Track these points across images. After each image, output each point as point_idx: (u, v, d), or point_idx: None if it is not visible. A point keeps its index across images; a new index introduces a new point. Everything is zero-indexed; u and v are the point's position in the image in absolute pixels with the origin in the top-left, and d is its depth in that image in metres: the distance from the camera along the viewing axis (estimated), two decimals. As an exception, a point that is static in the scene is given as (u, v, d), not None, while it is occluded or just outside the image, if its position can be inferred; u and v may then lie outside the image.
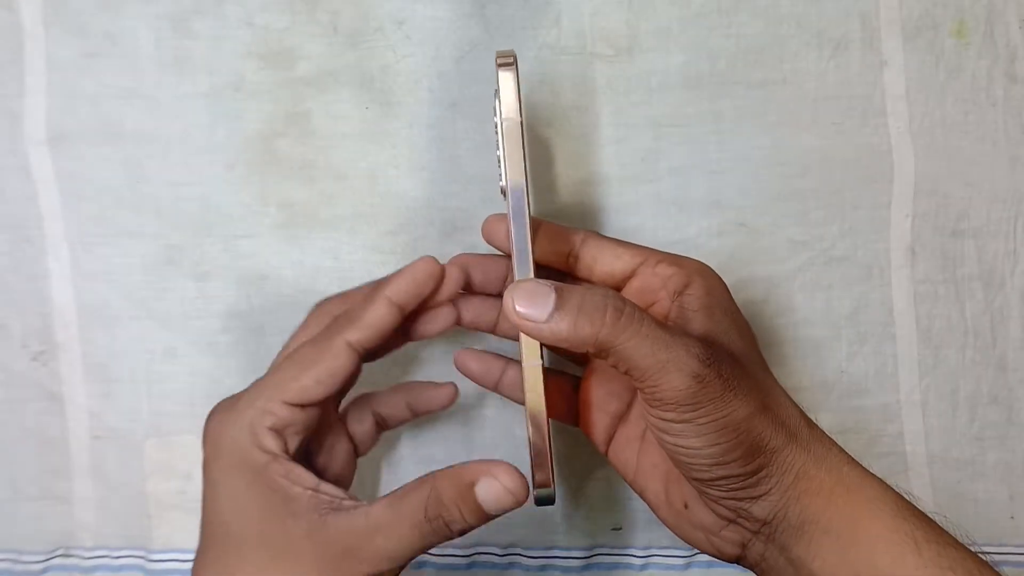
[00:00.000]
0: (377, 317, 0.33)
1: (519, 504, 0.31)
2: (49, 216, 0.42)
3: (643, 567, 0.43)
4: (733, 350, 0.32)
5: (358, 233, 0.42)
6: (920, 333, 0.43)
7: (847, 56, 0.42)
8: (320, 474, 0.33)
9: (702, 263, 0.35)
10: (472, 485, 0.31)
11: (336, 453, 0.37)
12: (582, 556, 0.43)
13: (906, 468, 0.43)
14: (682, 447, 0.30)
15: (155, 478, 0.43)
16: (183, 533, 0.43)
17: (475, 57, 0.42)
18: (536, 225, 0.36)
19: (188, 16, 0.42)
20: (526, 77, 0.42)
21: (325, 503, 0.31)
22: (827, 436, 0.32)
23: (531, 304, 0.30)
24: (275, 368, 0.34)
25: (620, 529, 0.43)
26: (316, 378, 0.33)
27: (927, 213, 0.43)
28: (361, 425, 0.38)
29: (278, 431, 0.32)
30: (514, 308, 0.30)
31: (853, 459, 0.32)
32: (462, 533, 0.32)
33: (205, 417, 0.42)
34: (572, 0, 0.42)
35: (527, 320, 0.30)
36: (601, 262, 0.35)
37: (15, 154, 0.42)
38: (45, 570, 0.43)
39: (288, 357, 0.34)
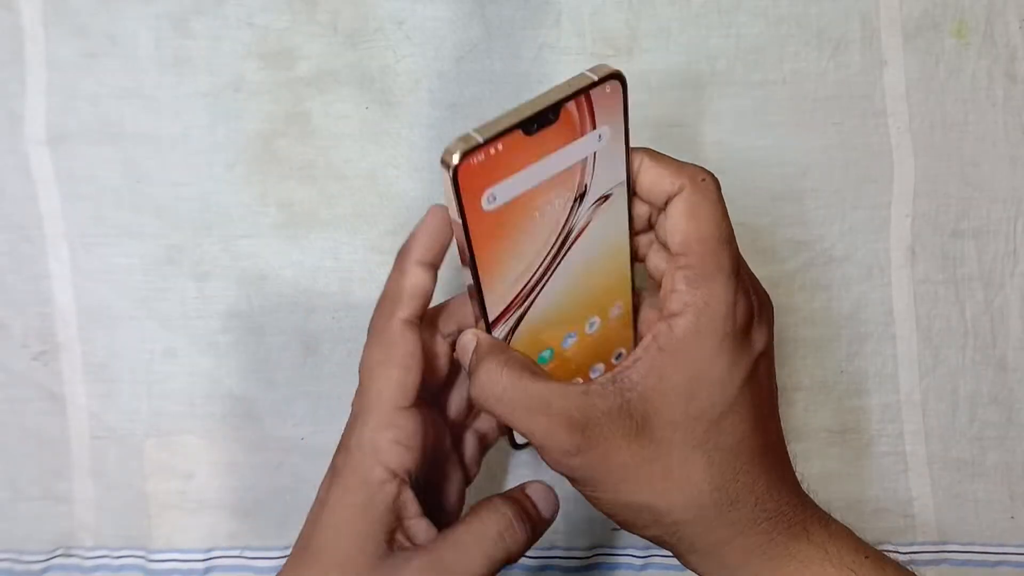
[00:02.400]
0: (415, 284, 0.31)
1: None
2: (49, 216, 0.42)
3: (643, 567, 0.43)
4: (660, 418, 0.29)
5: (358, 233, 0.42)
6: (920, 333, 0.43)
7: (847, 56, 0.42)
8: (439, 506, 0.34)
9: (724, 292, 0.30)
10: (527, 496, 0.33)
11: (452, 483, 0.36)
12: (582, 556, 0.43)
13: (906, 468, 0.43)
14: None
15: (155, 478, 0.43)
16: (183, 533, 0.43)
17: (475, 57, 0.42)
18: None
19: (188, 16, 0.42)
20: (526, 77, 0.42)
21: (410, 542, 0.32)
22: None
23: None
24: (359, 390, 0.32)
25: (620, 529, 0.43)
26: (401, 366, 0.31)
27: (927, 213, 0.43)
28: (468, 448, 0.36)
29: (404, 446, 0.31)
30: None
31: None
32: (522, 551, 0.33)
33: (206, 416, 0.43)
34: (572, 0, 0.42)
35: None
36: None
37: (15, 154, 0.42)
38: (45, 570, 0.43)
39: (361, 373, 0.32)
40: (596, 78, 0.27)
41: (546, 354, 0.32)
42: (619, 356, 0.34)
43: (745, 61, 0.42)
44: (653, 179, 0.31)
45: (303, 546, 0.32)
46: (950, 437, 0.43)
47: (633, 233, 0.31)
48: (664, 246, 0.31)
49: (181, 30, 0.42)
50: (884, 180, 0.42)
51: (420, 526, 0.31)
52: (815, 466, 0.43)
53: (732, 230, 0.31)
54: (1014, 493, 0.43)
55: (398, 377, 0.31)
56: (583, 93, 0.27)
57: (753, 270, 0.43)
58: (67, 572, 0.43)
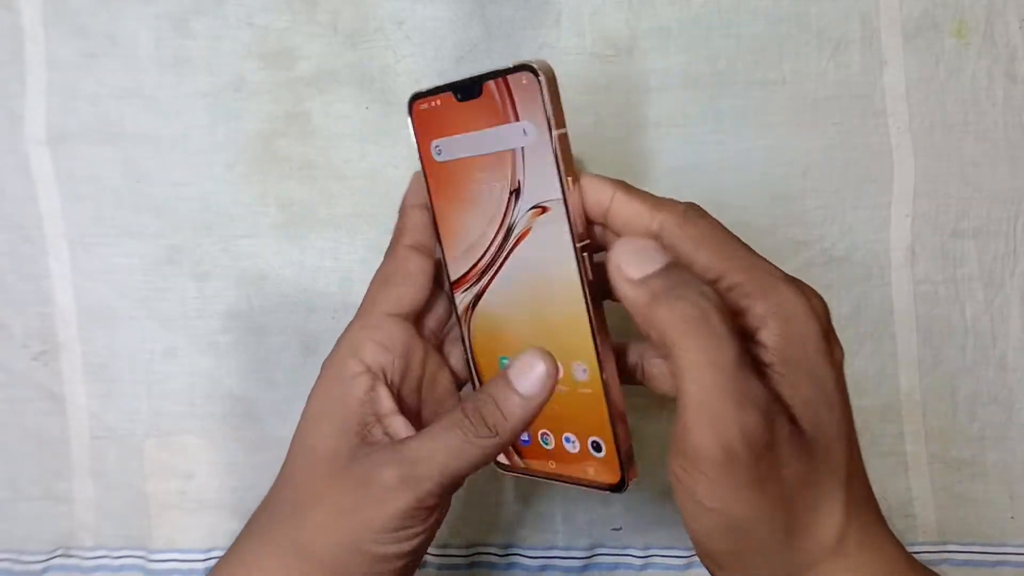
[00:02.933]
0: (414, 219, 0.34)
1: (553, 380, 0.30)
2: (49, 216, 0.42)
3: (643, 567, 0.43)
4: (802, 438, 0.27)
5: (358, 233, 0.42)
6: (920, 333, 0.43)
7: (847, 56, 0.42)
8: (421, 405, 0.34)
9: (795, 295, 0.28)
10: (504, 375, 0.30)
11: (439, 384, 0.36)
12: (582, 556, 0.43)
13: (906, 468, 0.43)
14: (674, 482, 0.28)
15: (155, 478, 0.43)
16: (183, 533, 0.43)
17: (475, 57, 0.42)
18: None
19: (188, 16, 0.42)
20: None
21: (386, 434, 0.32)
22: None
23: (636, 262, 0.28)
24: (364, 299, 0.34)
25: (620, 529, 0.43)
26: (402, 283, 0.33)
27: (927, 213, 0.43)
28: (452, 356, 0.37)
29: (384, 347, 0.32)
30: (616, 254, 0.28)
31: None
32: (509, 437, 0.30)
33: (206, 416, 0.43)
34: (572, 0, 0.42)
35: (622, 273, 0.28)
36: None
37: (15, 154, 0.42)
38: (45, 570, 0.43)
39: (370, 285, 0.35)
40: (512, 66, 0.30)
41: (506, 360, 0.33)
42: (594, 443, 0.32)
43: (745, 61, 0.42)
44: (629, 216, 0.30)
45: (292, 437, 0.33)
46: (950, 437, 0.43)
47: (586, 278, 0.30)
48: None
49: (181, 30, 0.42)
50: (884, 180, 0.42)
51: (397, 423, 0.32)
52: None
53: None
54: (1014, 493, 0.43)
55: (394, 289, 0.33)
56: (500, 76, 0.30)
57: (753, 270, 0.43)
58: (67, 572, 0.43)
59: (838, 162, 0.42)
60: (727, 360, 0.26)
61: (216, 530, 0.43)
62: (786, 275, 0.28)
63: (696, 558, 0.43)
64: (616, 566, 0.44)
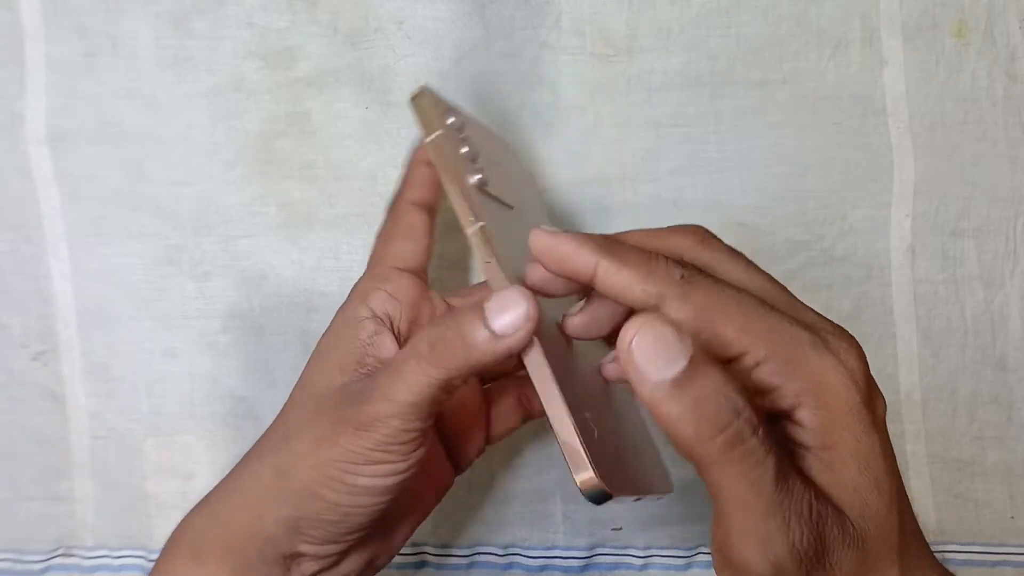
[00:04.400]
0: (418, 175, 0.35)
1: (533, 325, 0.27)
2: (49, 216, 0.42)
3: (643, 567, 0.43)
4: (852, 532, 0.25)
5: (358, 233, 0.42)
6: (920, 333, 0.43)
7: (847, 56, 0.42)
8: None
9: (829, 364, 0.25)
10: (479, 304, 0.28)
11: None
12: (582, 556, 0.43)
13: (906, 468, 0.43)
14: None
15: (155, 478, 0.43)
16: (183, 533, 0.43)
17: (475, 57, 0.42)
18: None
19: (188, 16, 0.42)
20: (526, 77, 0.42)
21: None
22: None
23: (654, 359, 0.24)
24: (371, 255, 0.35)
25: (620, 529, 0.43)
26: (404, 237, 0.34)
27: (927, 213, 0.43)
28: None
29: (391, 296, 0.33)
30: (630, 348, 0.24)
31: None
32: (464, 373, 0.28)
33: (206, 416, 0.43)
34: (572, 0, 0.42)
35: (640, 374, 0.24)
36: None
37: (15, 154, 0.42)
38: (45, 570, 0.43)
39: (375, 241, 0.35)
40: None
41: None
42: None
43: (745, 61, 0.42)
44: (620, 290, 0.26)
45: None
46: (950, 437, 0.43)
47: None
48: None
49: (181, 30, 0.42)
50: (884, 180, 0.42)
51: None
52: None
53: (761, 275, 0.27)
54: (1014, 493, 0.43)
55: (397, 243, 0.34)
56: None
57: (753, 270, 0.43)
58: (67, 572, 0.43)
59: (838, 162, 0.42)
60: (767, 481, 0.24)
61: (216, 530, 0.43)
62: (813, 334, 0.25)
63: (696, 558, 0.43)
64: (616, 566, 0.44)
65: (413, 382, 0.28)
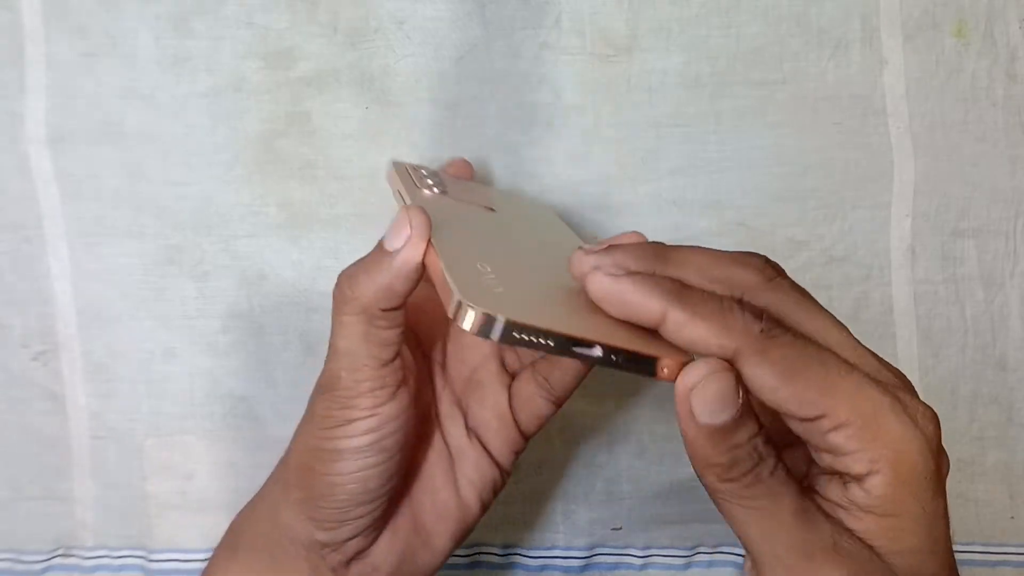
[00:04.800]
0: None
1: (413, 225, 0.28)
2: (49, 216, 0.42)
3: (643, 567, 0.43)
4: None
5: (358, 233, 0.42)
6: (920, 333, 0.43)
7: (847, 56, 0.42)
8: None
9: (908, 430, 0.24)
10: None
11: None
12: (582, 556, 0.43)
13: (906, 468, 0.43)
14: None
15: (155, 478, 0.43)
16: (183, 533, 0.43)
17: (475, 57, 0.42)
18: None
19: (188, 16, 0.42)
20: (526, 77, 0.42)
21: None
22: None
23: (710, 407, 0.24)
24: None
25: (620, 529, 0.43)
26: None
27: (927, 213, 0.43)
28: None
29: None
30: (691, 392, 0.24)
31: None
32: (387, 282, 0.29)
33: (206, 416, 0.43)
34: (572, 0, 0.42)
35: (690, 414, 0.24)
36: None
37: (15, 154, 0.42)
38: (45, 570, 0.43)
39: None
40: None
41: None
42: None
43: (745, 61, 0.42)
44: (691, 342, 0.25)
45: None
46: (950, 437, 0.43)
47: None
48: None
49: (181, 30, 0.42)
50: (884, 180, 0.42)
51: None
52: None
53: (827, 319, 0.27)
54: (1014, 493, 0.43)
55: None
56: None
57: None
58: (67, 572, 0.43)
59: (838, 162, 0.42)
60: (784, 516, 0.25)
61: (217, 530, 0.43)
62: (893, 398, 0.25)
63: (696, 558, 0.43)
64: (616, 566, 0.44)
65: (344, 325, 0.30)
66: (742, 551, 0.30)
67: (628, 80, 0.42)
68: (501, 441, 0.35)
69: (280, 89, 0.42)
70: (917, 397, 0.26)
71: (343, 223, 0.42)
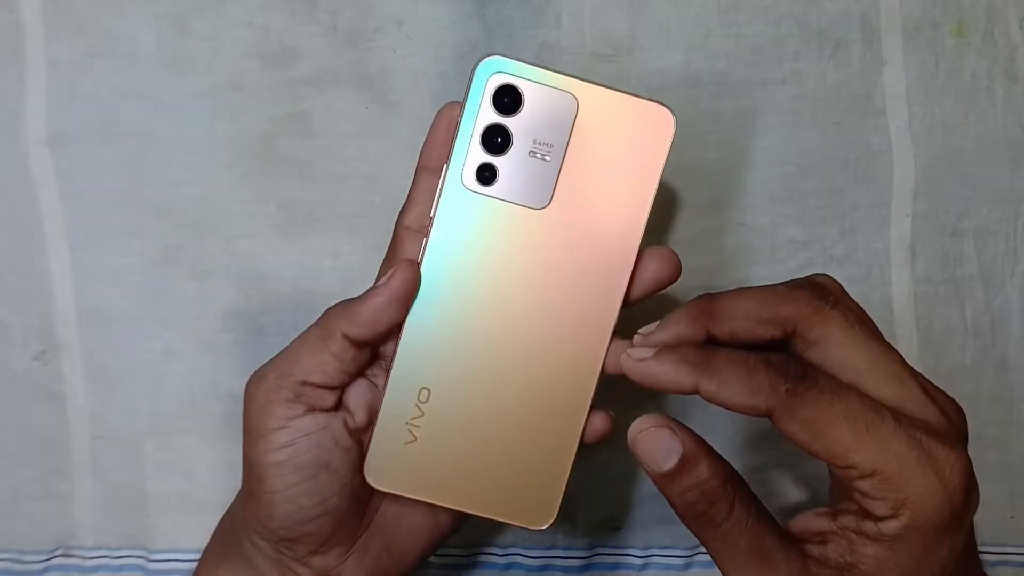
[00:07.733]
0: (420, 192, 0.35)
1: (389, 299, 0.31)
2: (49, 216, 0.42)
3: (643, 567, 0.43)
4: None
5: (358, 233, 0.42)
6: (920, 333, 0.43)
7: (847, 56, 0.42)
8: None
9: (935, 485, 0.25)
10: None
11: None
12: (582, 556, 0.43)
13: (906, 468, 0.43)
14: None
15: (155, 478, 0.43)
16: (183, 533, 0.43)
17: (475, 57, 0.42)
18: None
19: (188, 16, 0.42)
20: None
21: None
22: None
23: (653, 455, 0.28)
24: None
25: (620, 529, 0.43)
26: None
27: (927, 213, 0.43)
28: None
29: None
30: (635, 442, 0.28)
31: None
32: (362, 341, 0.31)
33: (206, 416, 0.43)
34: (572, 0, 0.42)
35: (643, 463, 0.28)
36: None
37: (15, 154, 0.42)
38: (45, 570, 0.43)
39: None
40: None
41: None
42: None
43: (745, 61, 0.42)
44: (726, 399, 0.27)
45: None
46: (950, 437, 0.43)
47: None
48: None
49: (181, 30, 0.42)
50: (884, 180, 0.42)
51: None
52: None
53: (871, 342, 0.28)
54: (1014, 493, 0.43)
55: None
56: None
57: (753, 270, 0.43)
58: (67, 572, 0.43)
59: (838, 162, 0.42)
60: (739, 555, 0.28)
61: (216, 530, 0.43)
62: (920, 452, 0.25)
63: (696, 558, 0.43)
64: (616, 566, 0.44)
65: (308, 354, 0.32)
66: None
67: (628, 80, 0.42)
68: None
69: (280, 89, 0.42)
70: (953, 439, 0.26)
71: (343, 223, 0.42)
